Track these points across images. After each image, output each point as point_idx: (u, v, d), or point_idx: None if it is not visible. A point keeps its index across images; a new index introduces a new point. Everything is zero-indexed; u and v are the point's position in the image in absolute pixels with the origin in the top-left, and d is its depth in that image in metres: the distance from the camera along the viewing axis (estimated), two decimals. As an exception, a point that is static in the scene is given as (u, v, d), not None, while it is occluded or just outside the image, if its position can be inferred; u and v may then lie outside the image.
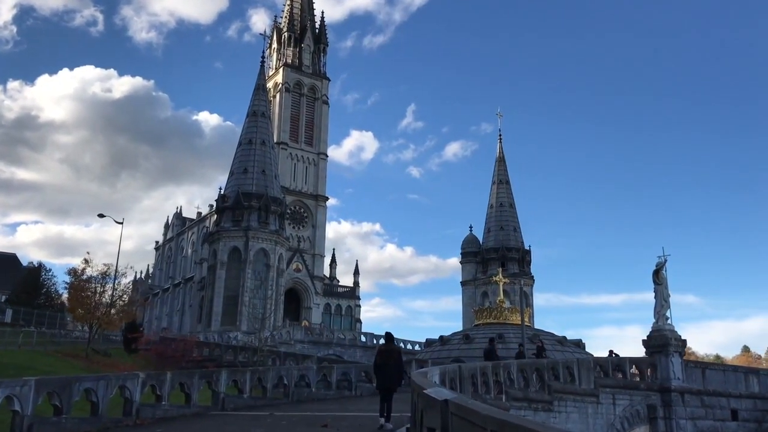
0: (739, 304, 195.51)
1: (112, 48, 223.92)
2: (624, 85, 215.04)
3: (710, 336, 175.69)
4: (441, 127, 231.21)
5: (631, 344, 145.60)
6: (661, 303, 26.66)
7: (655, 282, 26.88)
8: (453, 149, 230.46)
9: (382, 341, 16.88)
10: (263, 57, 77.14)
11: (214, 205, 76.40)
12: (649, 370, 25.73)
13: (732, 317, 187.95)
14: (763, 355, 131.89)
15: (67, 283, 39.79)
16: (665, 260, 26.74)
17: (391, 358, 14.04)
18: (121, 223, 56.05)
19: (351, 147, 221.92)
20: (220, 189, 69.63)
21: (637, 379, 25.80)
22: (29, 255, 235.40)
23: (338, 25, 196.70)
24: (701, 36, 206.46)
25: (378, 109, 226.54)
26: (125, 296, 40.29)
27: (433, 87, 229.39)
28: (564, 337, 53.02)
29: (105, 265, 37.21)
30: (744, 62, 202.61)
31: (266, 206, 64.79)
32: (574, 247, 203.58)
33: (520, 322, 52.25)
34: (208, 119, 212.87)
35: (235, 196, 64.69)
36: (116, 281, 40.81)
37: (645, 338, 26.72)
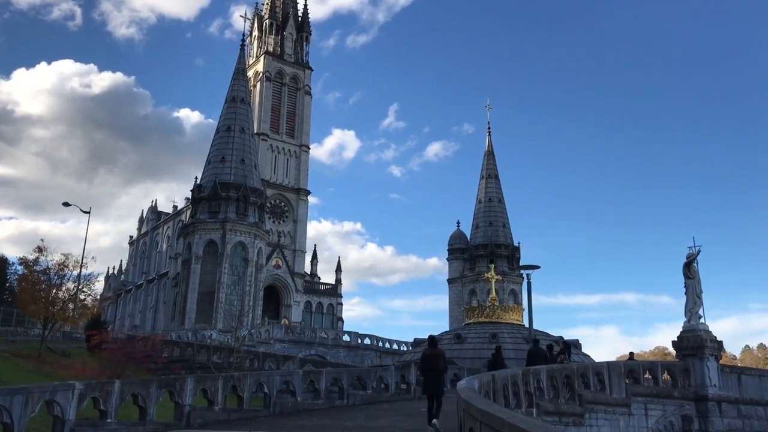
0: (712, 305, 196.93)
1: (92, 43, 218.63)
2: (612, 84, 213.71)
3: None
4: (423, 127, 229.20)
5: (607, 344, 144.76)
6: (694, 299, 23.52)
7: (686, 276, 23.74)
8: (434, 149, 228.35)
9: (424, 345, 16.22)
10: (243, 40, 73.20)
11: (190, 197, 72.27)
12: (681, 376, 22.55)
13: (707, 317, 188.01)
14: (738, 356, 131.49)
15: (18, 274, 35.70)
16: (698, 251, 23.61)
17: (437, 362, 13.46)
18: (88, 213, 52.43)
19: (332, 145, 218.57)
20: (196, 178, 65.63)
21: (670, 385, 22.57)
22: (1, 251, 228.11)
23: (321, 24, 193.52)
24: (692, 28, 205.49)
25: (360, 108, 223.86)
26: (86, 290, 36.21)
27: (415, 87, 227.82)
28: (561, 338, 50.09)
29: (63, 255, 33.19)
30: (739, 57, 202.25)
31: (245, 197, 60.89)
32: (549, 246, 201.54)
33: (514, 321, 49.35)
34: (189, 116, 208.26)
35: (211, 185, 60.67)
36: (80, 273, 37.17)
37: (675, 339, 23.58)
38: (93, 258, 39.53)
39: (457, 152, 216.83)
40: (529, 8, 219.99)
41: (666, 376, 22.65)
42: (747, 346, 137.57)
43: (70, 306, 33.17)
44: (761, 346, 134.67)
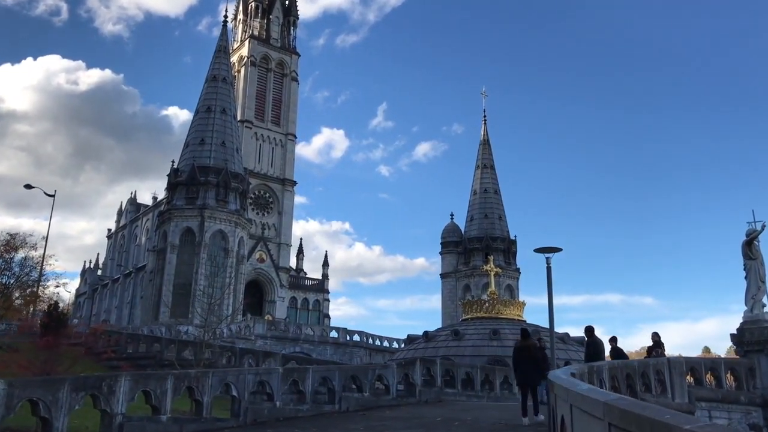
0: (695, 306, 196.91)
1: (80, 39, 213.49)
2: (607, 88, 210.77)
3: (667, 337, 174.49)
4: (411, 127, 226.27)
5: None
6: (757, 284, 19.51)
7: (746, 257, 19.73)
8: (423, 149, 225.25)
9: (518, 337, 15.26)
10: (225, 16, 68.80)
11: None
12: (745, 376, 18.54)
13: (688, 319, 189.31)
14: (723, 356, 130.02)
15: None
16: (763, 227, 19.59)
17: (528, 354, 13.46)
18: (53, 196, 48.03)
19: (321, 144, 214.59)
20: (173, 162, 60.96)
21: (734, 388, 18.55)
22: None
23: (311, 23, 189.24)
24: (697, 9, 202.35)
25: (349, 108, 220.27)
26: (34, 274, 31.65)
27: (404, 87, 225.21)
28: (566, 334, 46.46)
29: (9, 234, 28.63)
30: (734, 49, 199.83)
31: (225, 182, 56.32)
32: (535, 244, 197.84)
33: (515, 317, 45.89)
34: (177, 114, 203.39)
35: (189, 170, 56.03)
36: (44, 256, 33.04)
37: (735, 332, 19.57)
38: (43, 237, 35.04)
39: (446, 152, 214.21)
40: (520, 9, 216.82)
41: (729, 376, 18.67)
42: (731, 347, 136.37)
43: (15, 294, 28.62)
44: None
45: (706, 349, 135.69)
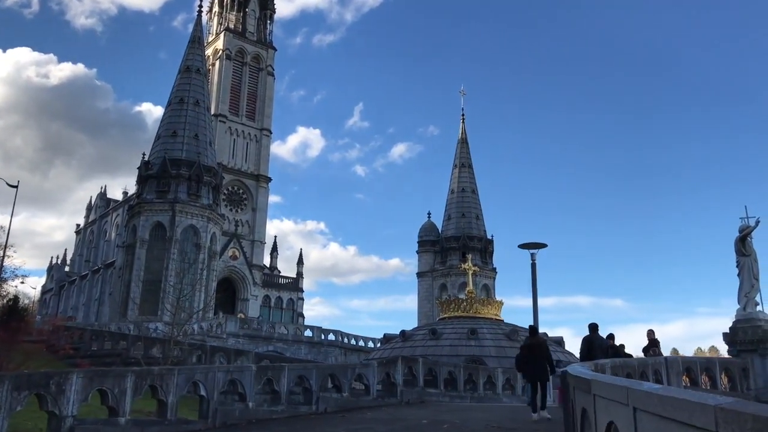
0: (662, 308, 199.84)
1: (51, 32, 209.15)
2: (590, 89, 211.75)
3: (636, 338, 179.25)
4: (387, 128, 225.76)
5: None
6: (750, 282, 18.80)
7: (739, 253, 19.02)
8: (399, 150, 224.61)
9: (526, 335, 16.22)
10: (200, 7, 67.09)
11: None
12: (739, 376, 17.83)
13: (656, 321, 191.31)
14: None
15: None
16: (757, 223, 18.90)
17: (537, 351, 14.07)
18: (16, 187, 46.27)
19: (297, 143, 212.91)
20: (144, 154, 59.21)
21: (729, 389, 17.81)
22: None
23: (288, 22, 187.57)
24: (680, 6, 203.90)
25: (325, 107, 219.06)
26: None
27: (381, 88, 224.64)
28: (545, 334, 46.08)
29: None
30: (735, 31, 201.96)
31: (198, 176, 54.73)
32: (505, 246, 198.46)
33: (492, 316, 45.38)
34: (151, 110, 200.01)
35: (160, 162, 54.32)
36: (5, 249, 31.46)
37: (727, 331, 18.85)
38: (2, 228, 33.52)
39: (422, 154, 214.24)
40: (498, 9, 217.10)
41: (723, 377, 17.96)
42: (699, 348, 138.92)
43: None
44: (713, 348, 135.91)
45: (675, 351, 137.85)
